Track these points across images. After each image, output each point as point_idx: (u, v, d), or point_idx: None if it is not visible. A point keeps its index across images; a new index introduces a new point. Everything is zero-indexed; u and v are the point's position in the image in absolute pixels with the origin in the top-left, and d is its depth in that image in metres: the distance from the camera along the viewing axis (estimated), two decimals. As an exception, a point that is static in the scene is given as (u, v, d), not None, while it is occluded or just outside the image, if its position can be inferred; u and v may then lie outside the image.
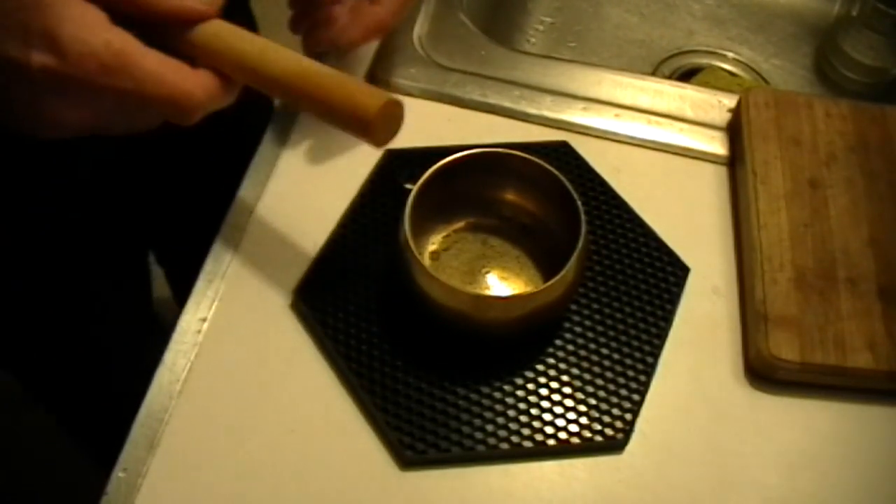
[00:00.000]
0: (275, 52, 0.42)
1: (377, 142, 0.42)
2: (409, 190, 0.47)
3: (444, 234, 0.52)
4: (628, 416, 0.47)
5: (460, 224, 0.53)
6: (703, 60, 0.81)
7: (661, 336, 0.50)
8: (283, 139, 0.58)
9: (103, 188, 0.66)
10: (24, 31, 0.36)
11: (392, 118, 0.42)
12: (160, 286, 0.92)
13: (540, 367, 0.48)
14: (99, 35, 0.36)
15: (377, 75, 0.61)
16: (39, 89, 0.37)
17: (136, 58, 0.37)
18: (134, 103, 0.39)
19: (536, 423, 0.46)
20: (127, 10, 0.39)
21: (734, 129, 0.59)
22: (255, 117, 0.60)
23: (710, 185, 0.57)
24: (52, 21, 0.36)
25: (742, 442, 0.47)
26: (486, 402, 0.47)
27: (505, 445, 0.46)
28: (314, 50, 0.54)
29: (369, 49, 0.60)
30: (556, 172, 0.48)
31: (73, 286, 0.66)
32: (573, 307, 0.50)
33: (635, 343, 0.49)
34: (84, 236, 0.65)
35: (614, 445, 0.46)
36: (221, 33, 0.42)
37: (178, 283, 0.97)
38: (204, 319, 0.50)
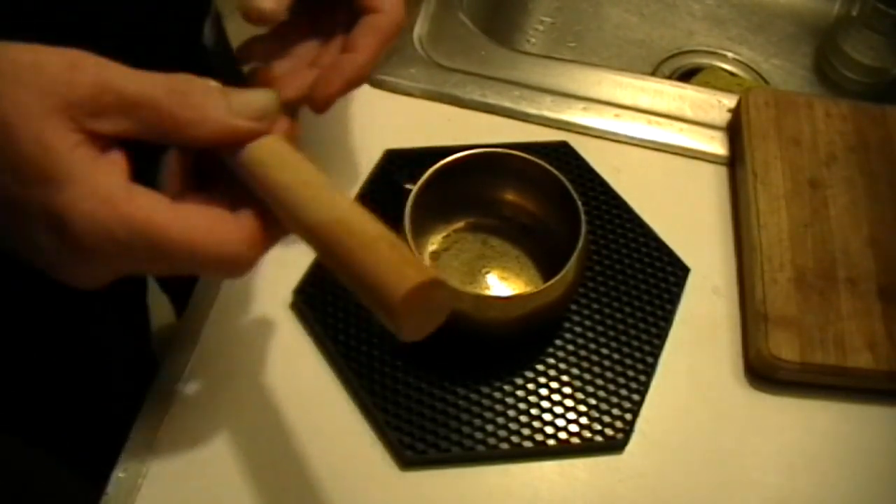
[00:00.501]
0: (316, 190, 0.33)
1: (407, 333, 0.32)
2: (409, 190, 0.47)
3: (444, 234, 0.52)
4: (628, 416, 0.47)
5: (460, 224, 0.53)
6: (703, 60, 0.81)
7: (661, 336, 0.50)
8: (283, 139, 0.58)
9: None
10: (27, 212, 0.31)
11: (430, 304, 0.32)
12: (164, 314, 0.92)
13: (540, 367, 0.48)
14: (114, 211, 0.31)
15: (377, 76, 0.61)
16: (54, 259, 0.33)
17: (161, 232, 0.32)
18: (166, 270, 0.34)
19: (536, 423, 0.46)
20: (160, 143, 0.34)
21: (734, 129, 0.59)
22: None
23: (710, 185, 0.57)
24: (58, 200, 0.31)
25: (742, 442, 0.47)
26: (486, 402, 0.47)
27: (505, 445, 0.46)
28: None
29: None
30: (556, 172, 0.48)
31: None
32: (573, 307, 0.50)
33: (635, 343, 0.49)
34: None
35: (614, 445, 0.46)
36: (272, 156, 0.35)
37: (182, 308, 0.96)
38: (205, 319, 0.50)
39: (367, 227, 0.32)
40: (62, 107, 0.31)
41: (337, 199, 0.34)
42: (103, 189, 0.31)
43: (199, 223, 0.33)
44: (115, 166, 0.32)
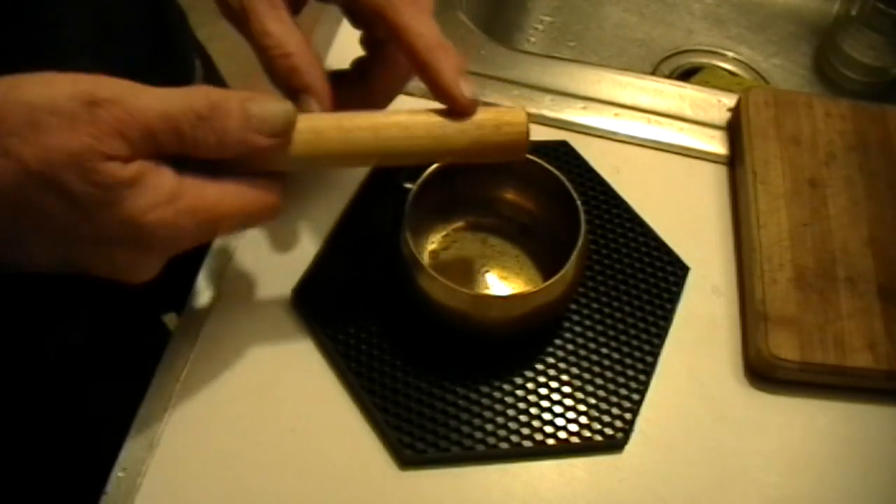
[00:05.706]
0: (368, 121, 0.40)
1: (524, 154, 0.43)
2: (409, 189, 0.47)
3: (443, 233, 0.52)
4: (628, 416, 0.47)
5: (460, 224, 0.53)
6: (703, 60, 0.81)
7: (661, 336, 0.50)
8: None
9: None
10: (102, 236, 0.35)
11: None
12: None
13: (540, 367, 0.48)
14: (174, 207, 0.36)
15: (377, 75, 0.61)
16: (127, 265, 0.37)
17: (215, 208, 0.37)
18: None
19: (536, 423, 0.46)
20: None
21: (734, 129, 0.59)
22: None
23: (710, 185, 0.57)
24: (126, 213, 0.34)
25: (742, 442, 0.47)
26: (486, 401, 0.47)
27: (504, 445, 0.46)
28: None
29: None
30: (556, 172, 0.48)
31: (71, 280, 0.66)
32: (573, 307, 0.50)
33: (635, 343, 0.49)
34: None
35: (614, 445, 0.46)
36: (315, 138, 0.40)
37: (182, 306, 0.96)
38: (205, 318, 0.50)
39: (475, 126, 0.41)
40: (88, 148, 0.33)
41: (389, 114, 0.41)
42: (162, 192, 0.35)
43: (238, 190, 0.38)
44: (160, 172, 0.35)
